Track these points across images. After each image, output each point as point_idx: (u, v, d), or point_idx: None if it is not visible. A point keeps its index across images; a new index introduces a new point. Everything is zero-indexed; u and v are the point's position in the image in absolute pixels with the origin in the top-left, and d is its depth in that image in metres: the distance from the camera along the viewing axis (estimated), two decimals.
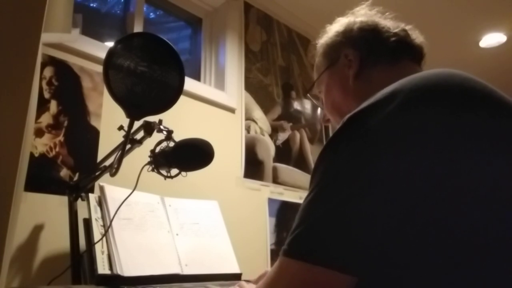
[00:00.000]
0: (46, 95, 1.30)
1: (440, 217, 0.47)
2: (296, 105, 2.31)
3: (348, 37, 0.80)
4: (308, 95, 0.95)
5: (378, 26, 0.79)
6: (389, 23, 0.80)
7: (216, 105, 1.84)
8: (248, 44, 2.11)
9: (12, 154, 0.67)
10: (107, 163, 1.05)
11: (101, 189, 1.10)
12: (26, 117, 0.70)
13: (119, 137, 0.90)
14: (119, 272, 0.97)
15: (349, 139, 0.52)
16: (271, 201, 1.96)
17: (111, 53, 0.81)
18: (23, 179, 1.03)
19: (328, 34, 0.85)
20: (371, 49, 0.77)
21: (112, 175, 0.91)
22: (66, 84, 1.35)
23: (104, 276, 0.96)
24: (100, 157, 1.29)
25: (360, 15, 0.83)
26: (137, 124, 0.89)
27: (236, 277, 1.21)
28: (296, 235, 0.50)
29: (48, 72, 1.31)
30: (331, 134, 0.57)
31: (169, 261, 1.10)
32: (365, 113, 0.53)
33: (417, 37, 0.80)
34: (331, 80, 0.83)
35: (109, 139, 1.35)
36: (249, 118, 2.00)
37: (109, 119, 1.39)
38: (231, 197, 1.76)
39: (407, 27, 0.80)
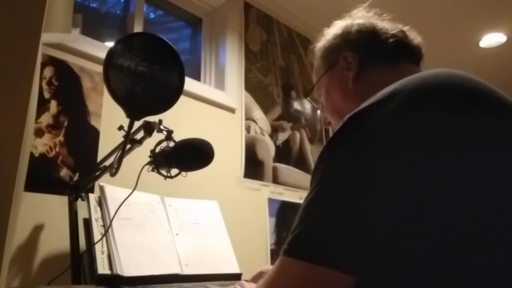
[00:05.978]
0: (46, 95, 1.30)
1: (440, 217, 0.47)
2: (296, 105, 2.31)
3: (347, 40, 0.81)
4: (308, 98, 0.95)
5: (375, 28, 0.79)
6: (386, 25, 0.80)
7: (216, 105, 1.84)
8: (248, 44, 2.11)
9: (12, 154, 0.67)
10: (107, 163, 1.05)
11: (101, 189, 1.10)
12: (26, 117, 0.70)
13: (119, 137, 0.90)
14: (119, 272, 0.97)
15: (349, 139, 0.52)
16: (271, 201, 1.96)
17: (111, 53, 0.81)
18: (23, 179, 1.03)
19: (326, 38, 0.85)
20: (369, 51, 0.77)
21: (112, 175, 0.91)
22: (66, 84, 1.35)
23: (104, 276, 0.96)
24: (100, 157, 1.29)
25: (358, 18, 0.83)
26: (137, 124, 0.89)
27: (236, 277, 1.21)
28: (296, 234, 0.50)
29: (48, 72, 1.31)
30: (331, 134, 0.57)
31: (169, 261, 1.10)
32: (365, 113, 0.53)
33: (415, 37, 0.80)
34: (331, 83, 0.83)
35: (109, 139, 1.35)
36: (249, 118, 2.00)
37: (109, 119, 1.39)
38: (231, 197, 1.76)
39: (405, 28, 0.80)
